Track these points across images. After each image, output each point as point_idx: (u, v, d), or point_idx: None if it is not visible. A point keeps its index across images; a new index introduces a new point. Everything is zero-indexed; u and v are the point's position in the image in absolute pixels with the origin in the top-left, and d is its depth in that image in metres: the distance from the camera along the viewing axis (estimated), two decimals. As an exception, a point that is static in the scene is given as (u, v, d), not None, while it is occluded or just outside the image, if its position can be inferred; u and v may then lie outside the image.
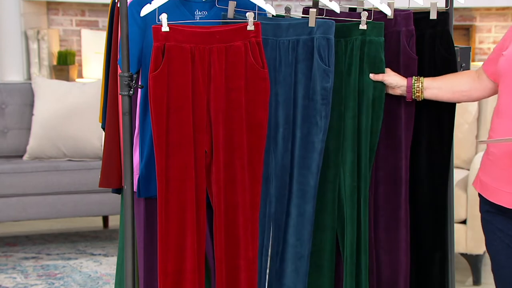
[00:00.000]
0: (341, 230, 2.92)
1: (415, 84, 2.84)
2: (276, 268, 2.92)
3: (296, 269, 2.90)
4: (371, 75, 2.84)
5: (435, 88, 2.84)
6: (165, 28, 2.69)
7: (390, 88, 2.87)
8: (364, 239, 2.89)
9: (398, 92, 2.87)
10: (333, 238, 2.92)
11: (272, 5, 2.80)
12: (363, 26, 2.81)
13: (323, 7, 2.89)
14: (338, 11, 2.84)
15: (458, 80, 2.85)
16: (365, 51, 2.82)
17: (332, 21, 2.81)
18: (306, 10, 2.88)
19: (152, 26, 2.71)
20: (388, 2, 2.85)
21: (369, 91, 2.84)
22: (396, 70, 2.87)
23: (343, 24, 2.83)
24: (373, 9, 2.84)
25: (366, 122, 2.85)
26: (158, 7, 2.73)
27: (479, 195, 2.76)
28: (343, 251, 2.92)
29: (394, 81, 2.85)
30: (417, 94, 2.85)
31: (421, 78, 2.85)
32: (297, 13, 2.95)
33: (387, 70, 2.86)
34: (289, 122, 2.84)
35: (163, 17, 2.69)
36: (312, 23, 2.79)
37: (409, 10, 2.89)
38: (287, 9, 2.91)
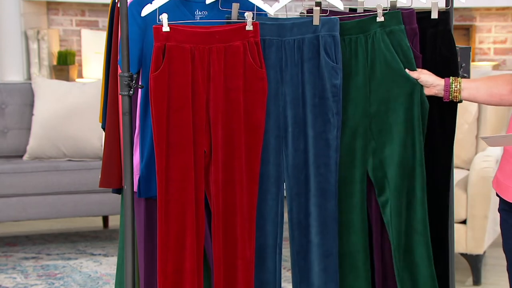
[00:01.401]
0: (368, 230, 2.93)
1: (453, 84, 2.80)
2: (300, 267, 2.90)
3: (325, 268, 2.87)
4: (407, 70, 2.81)
5: (472, 88, 2.81)
6: (165, 28, 2.69)
7: (425, 87, 2.84)
8: (424, 227, 2.86)
9: (433, 91, 2.83)
10: (365, 239, 2.90)
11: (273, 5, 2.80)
12: (380, 18, 2.80)
13: (326, 8, 2.88)
14: (341, 8, 2.84)
15: (495, 82, 2.80)
16: (388, 41, 2.81)
17: (337, 18, 2.80)
18: (310, 11, 2.88)
19: (153, 26, 2.71)
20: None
21: (405, 79, 2.81)
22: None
23: (360, 20, 2.82)
24: (388, 5, 2.84)
25: (406, 113, 2.82)
26: (159, 7, 2.73)
27: (497, 194, 2.74)
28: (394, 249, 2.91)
29: (430, 79, 2.81)
30: (455, 94, 2.81)
31: (459, 79, 2.81)
32: (296, 13, 2.95)
33: (421, 69, 2.83)
34: (298, 122, 2.83)
35: (164, 17, 2.69)
36: (316, 21, 2.79)
37: (411, 8, 2.88)
38: (301, 13, 2.91)
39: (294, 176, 2.85)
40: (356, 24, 2.82)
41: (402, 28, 2.81)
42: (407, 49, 2.82)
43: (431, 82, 2.82)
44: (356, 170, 2.87)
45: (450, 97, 2.82)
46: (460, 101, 2.87)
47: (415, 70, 2.83)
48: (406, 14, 2.86)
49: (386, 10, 2.83)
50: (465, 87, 2.81)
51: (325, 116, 2.82)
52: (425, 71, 2.84)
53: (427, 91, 2.84)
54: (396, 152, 2.86)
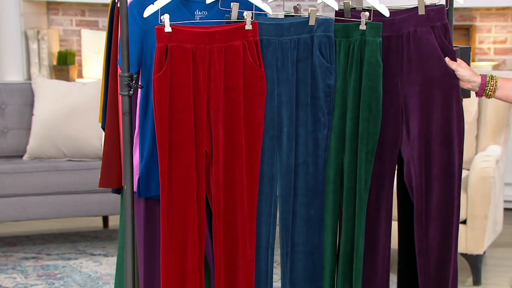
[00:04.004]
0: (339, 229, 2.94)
1: (490, 83, 2.79)
2: (287, 268, 2.91)
3: (312, 264, 2.89)
4: (446, 59, 2.81)
5: (507, 89, 2.80)
6: (167, 28, 2.70)
7: (460, 81, 2.82)
8: (358, 241, 2.87)
9: (467, 86, 2.82)
10: (335, 239, 2.92)
11: (272, 5, 2.80)
12: (362, 27, 2.81)
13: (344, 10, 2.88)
14: (336, 8, 2.84)
15: None
16: (365, 51, 2.82)
17: (332, 18, 2.81)
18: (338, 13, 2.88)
19: (156, 27, 2.71)
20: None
21: (365, 93, 2.82)
22: (438, 64, 2.82)
23: (345, 25, 2.83)
24: (398, 8, 2.83)
25: (363, 124, 2.83)
26: (160, 8, 2.73)
27: None
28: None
29: (467, 74, 2.81)
30: (489, 93, 2.80)
31: (495, 77, 2.80)
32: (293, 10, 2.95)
33: (460, 61, 2.82)
34: (292, 122, 2.84)
35: (166, 17, 2.69)
36: (312, 21, 2.79)
37: (441, 4, 2.85)
38: (296, 9, 2.91)
39: (287, 177, 2.87)
40: (342, 27, 2.83)
41: (377, 41, 2.81)
42: (376, 63, 2.81)
43: (467, 78, 2.81)
44: (330, 170, 2.88)
45: (484, 94, 2.81)
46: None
47: (379, 85, 2.81)
48: (437, 10, 2.83)
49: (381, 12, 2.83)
50: (501, 86, 2.80)
51: (316, 116, 2.83)
52: (464, 64, 2.82)
53: (462, 85, 2.83)
54: (347, 160, 2.87)
